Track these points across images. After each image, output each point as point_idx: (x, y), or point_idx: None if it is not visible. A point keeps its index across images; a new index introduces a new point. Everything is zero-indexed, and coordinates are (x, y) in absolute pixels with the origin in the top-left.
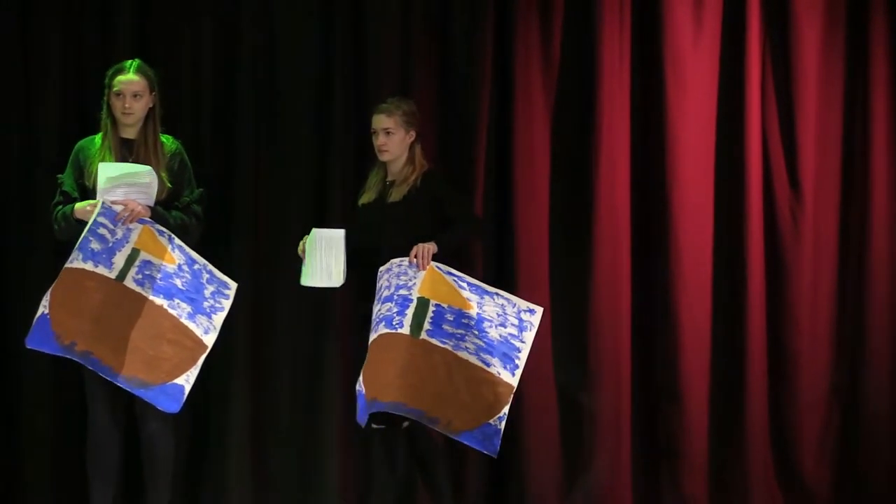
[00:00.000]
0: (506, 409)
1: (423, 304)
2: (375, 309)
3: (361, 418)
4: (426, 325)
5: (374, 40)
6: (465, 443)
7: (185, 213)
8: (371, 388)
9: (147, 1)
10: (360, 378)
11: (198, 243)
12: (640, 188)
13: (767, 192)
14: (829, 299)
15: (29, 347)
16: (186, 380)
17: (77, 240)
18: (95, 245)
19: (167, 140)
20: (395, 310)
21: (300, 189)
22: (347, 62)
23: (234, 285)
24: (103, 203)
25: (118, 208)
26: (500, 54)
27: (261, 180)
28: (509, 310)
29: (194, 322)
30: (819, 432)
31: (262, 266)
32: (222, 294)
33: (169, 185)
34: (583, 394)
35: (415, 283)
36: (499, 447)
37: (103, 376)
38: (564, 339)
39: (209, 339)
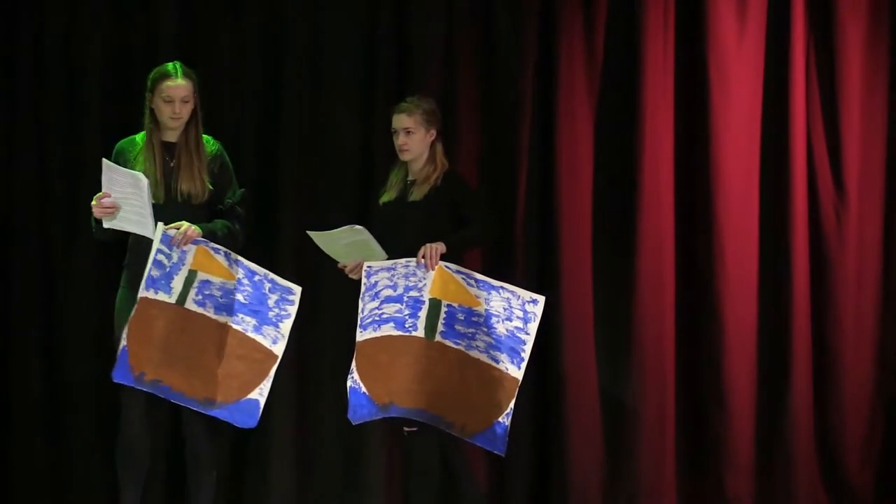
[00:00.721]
0: (512, 405)
1: (435, 305)
2: (369, 306)
3: (357, 417)
4: (440, 327)
5: (418, 39)
6: (478, 444)
7: (230, 218)
8: (384, 392)
9: (190, 5)
10: (354, 374)
11: (243, 246)
12: (683, 186)
13: (812, 191)
14: (874, 300)
15: (115, 382)
16: (260, 393)
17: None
18: (155, 272)
19: (208, 141)
20: (407, 312)
21: (344, 190)
22: (391, 61)
23: (298, 290)
24: (164, 232)
25: (171, 232)
26: (543, 52)
27: (304, 182)
28: (514, 302)
29: (261, 334)
30: (864, 435)
31: (306, 268)
32: (287, 301)
33: (210, 186)
34: (626, 392)
35: (425, 285)
36: (506, 446)
37: (176, 402)
38: (608, 337)
39: (278, 349)
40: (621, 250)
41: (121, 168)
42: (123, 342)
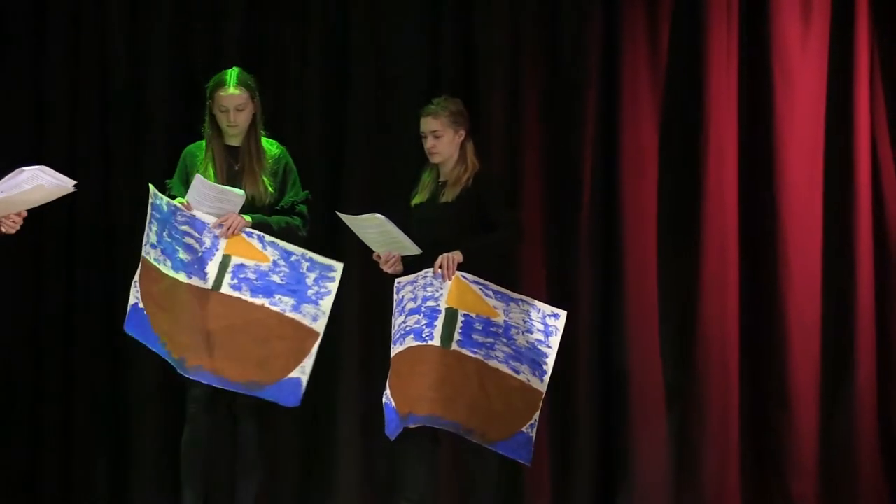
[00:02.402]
0: (536, 416)
1: (451, 314)
2: (398, 321)
3: (391, 431)
4: (456, 336)
5: (482, 41)
6: (500, 452)
7: (289, 214)
8: (404, 402)
9: (255, 5)
10: (388, 390)
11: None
12: (747, 187)
13: (876, 191)
14: None
15: (127, 332)
16: (302, 371)
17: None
18: (184, 255)
19: (272, 145)
20: (424, 322)
21: (408, 192)
22: (455, 63)
23: (339, 266)
24: (181, 211)
25: (209, 219)
26: (607, 53)
27: (368, 184)
28: (534, 315)
29: (300, 313)
30: None
31: (371, 275)
32: (327, 278)
33: (272, 190)
34: (691, 394)
35: (441, 294)
36: (532, 455)
37: (218, 386)
38: (672, 340)
39: (319, 326)
40: (686, 250)
41: (218, 186)
42: (136, 300)
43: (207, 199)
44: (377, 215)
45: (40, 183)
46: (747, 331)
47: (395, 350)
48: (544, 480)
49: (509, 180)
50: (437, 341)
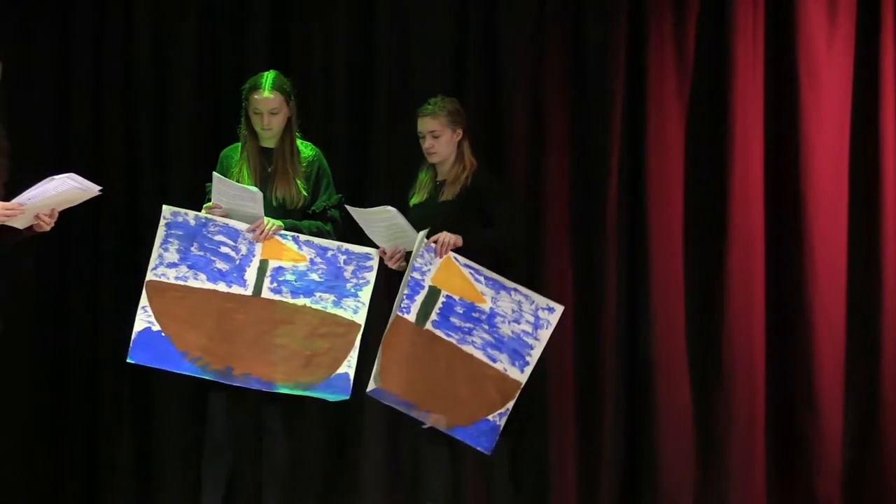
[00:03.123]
0: (509, 406)
1: (433, 293)
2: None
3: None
4: (433, 316)
5: (507, 42)
6: (457, 437)
7: (322, 219)
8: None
9: (282, 5)
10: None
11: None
12: (773, 188)
13: None
14: None
15: (133, 361)
16: (349, 365)
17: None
18: (221, 265)
19: (306, 147)
20: (406, 292)
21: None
22: (480, 62)
23: (375, 253)
24: (213, 221)
25: (242, 226)
26: (633, 54)
27: (394, 182)
28: (526, 306)
29: (341, 307)
30: None
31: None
32: (364, 268)
33: (305, 193)
34: (717, 395)
35: (429, 270)
36: (493, 444)
37: (268, 391)
38: (698, 338)
39: (360, 318)
40: (711, 248)
41: (235, 183)
42: (147, 324)
43: (229, 196)
44: (389, 208)
45: (68, 188)
46: (773, 329)
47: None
48: (569, 479)
49: (534, 178)
50: (412, 317)
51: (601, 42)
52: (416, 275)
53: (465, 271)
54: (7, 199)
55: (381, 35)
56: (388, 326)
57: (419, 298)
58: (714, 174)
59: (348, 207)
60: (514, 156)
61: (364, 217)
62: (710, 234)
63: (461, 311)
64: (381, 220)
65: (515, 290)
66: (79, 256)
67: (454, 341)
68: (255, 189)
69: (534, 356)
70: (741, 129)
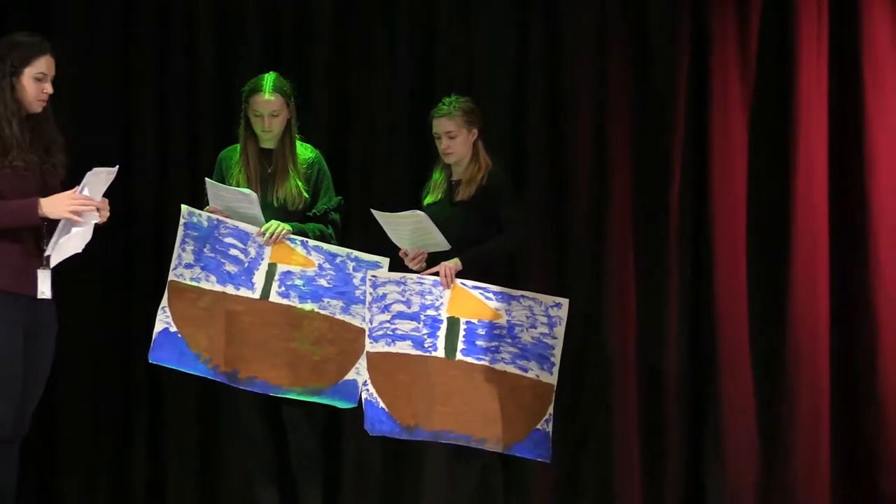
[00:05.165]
0: (550, 410)
1: (453, 323)
2: (380, 318)
3: (376, 431)
4: (460, 345)
5: (570, 40)
6: (518, 455)
7: (323, 221)
8: (407, 413)
9: (345, 4)
10: (370, 387)
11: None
12: (837, 187)
13: None
14: None
15: (154, 362)
16: (357, 372)
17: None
18: (231, 267)
19: (306, 149)
20: (425, 331)
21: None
22: (542, 60)
23: (385, 261)
24: (224, 223)
25: (252, 229)
26: (696, 53)
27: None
28: (537, 309)
29: (350, 314)
30: None
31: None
32: None
33: (306, 195)
34: (781, 393)
35: (442, 303)
36: (550, 451)
37: (274, 395)
38: (762, 339)
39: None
40: (775, 250)
41: (226, 186)
42: (166, 325)
43: (225, 200)
44: (417, 212)
45: (102, 176)
46: (837, 329)
47: (378, 348)
48: (635, 481)
49: (597, 180)
50: (441, 352)
51: (664, 43)
52: (430, 312)
53: (476, 293)
54: None
55: (443, 39)
56: (381, 357)
57: (441, 333)
58: (778, 175)
59: (374, 212)
60: (577, 158)
61: (390, 221)
62: (774, 236)
63: (483, 333)
64: (407, 224)
65: (523, 296)
66: (142, 250)
67: (487, 363)
68: (247, 191)
69: (557, 355)
70: (805, 130)
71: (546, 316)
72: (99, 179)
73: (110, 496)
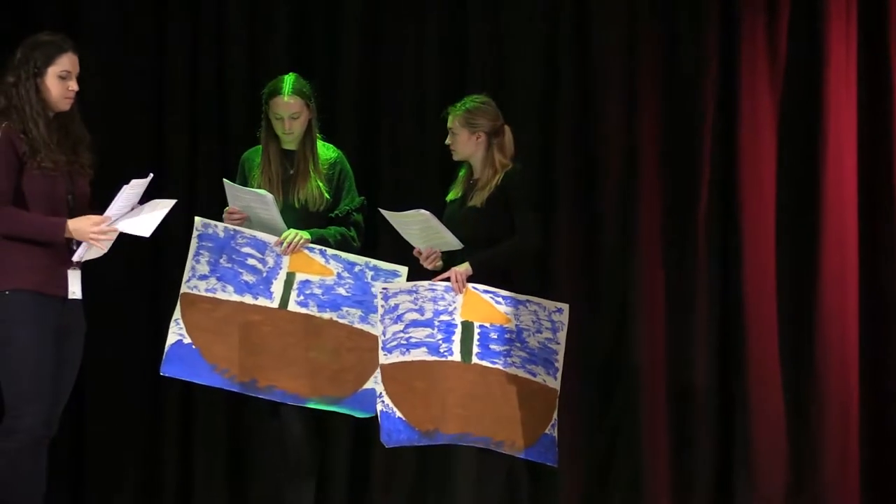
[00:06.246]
0: (555, 415)
1: (468, 327)
2: (393, 329)
3: (393, 441)
4: (475, 349)
5: (599, 39)
6: (530, 459)
7: (345, 224)
8: (425, 418)
9: (374, 2)
10: (386, 398)
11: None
12: (867, 186)
13: None
14: None
15: (165, 374)
16: (375, 381)
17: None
18: (248, 277)
19: (328, 149)
20: (440, 336)
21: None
22: (572, 63)
23: (404, 270)
24: (241, 233)
25: (270, 238)
26: (725, 53)
27: None
28: (541, 314)
29: (368, 323)
30: None
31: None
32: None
33: (327, 196)
34: (810, 394)
35: (455, 308)
36: (557, 456)
37: (293, 404)
38: (791, 340)
39: None
40: (804, 250)
41: (242, 187)
42: (179, 337)
43: (243, 201)
44: (422, 211)
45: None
46: (866, 331)
47: (393, 358)
48: (663, 485)
49: (626, 179)
50: (457, 356)
51: (693, 41)
52: (444, 317)
53: (486, 297)
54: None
55: (473, 35)
56: (396, 367)
57: (456, 338)
58: (807, 174)
59: (382, 211)
60: (606, 156)
61: (398, 220)
62: (803, 235)
63: (496, 337)
64: (415, 223)
65: (528, 301)
66: (172, 252)
67: (500, 367)
68: (263, 192)
69: (560, 360)
70: (834, 128)
71: (549, 321)
72: (133, 192)
73: (139, 497)
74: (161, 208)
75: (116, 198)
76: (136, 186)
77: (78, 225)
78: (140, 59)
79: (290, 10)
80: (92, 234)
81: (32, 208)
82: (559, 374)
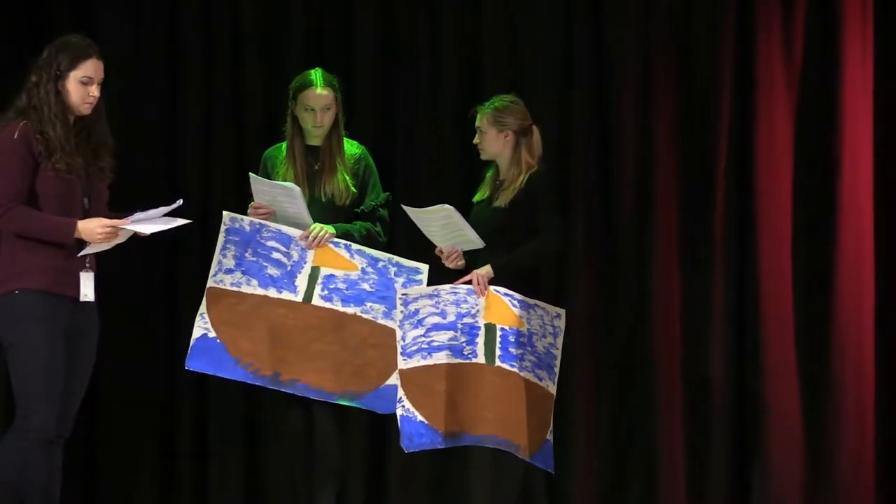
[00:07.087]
0: (551, 420)
1: (491, 330)
2: (414, 334)
3: (414, 445)
4: (497, 351)
5: (614, 39)
6: (535, 464)
7: (371, 219)
8: (451, 420)
9: (388, 4)
10: (406, 403)
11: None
12: (883, 187)
13: None
14: None
15: (190, 368)
16: (397, 377)
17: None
18: (273, 271)
19: (352, 145)
20: (464, 339)
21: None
22: (587, 61)
23: (425, 268)
24: (266, 227)
25: (295, 232)
26: (741, 52)
27: None
28: (546, 319)
29: (391, 319)
30: None
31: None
32: (414, 281)
33: (353, 190)
34: (826, 392)
35: (478, 311)
36: (553, 462)
37: (315, 398)
38: (807, 338)
39: None
40: (821, 248)
41: (269, 181)
42: (204, 331)
43: (269, 195)
44: (445, 206)
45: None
46: (883, 330)
47: (413, 363)
48: (679, 481)
49: (643, 176)
50: (481, 359)
51: (709, 40)
52: (467, 319)
53: (506, 300)
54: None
55: (488, 32)
56: (418, 371)
57: (480, 340)
58: (823, 174)
59: (404, 207)
60: (622, 153)
61: (420, 216)
62: (820, 234)
63: (513, 340)
64: (438, 219)
65: (536, 305)
66: (187, 251)
67: (517, 370)
68: (290, 185)
69: (557, 366)
70: (851, 126)
71: (551, 326)
72: (158, 213)
73: (154, 497)
74: (172, 223)
75: (142, 213)
76: (164, 210)
77: (87, 225)
78: (154, 59)
79: (306, 9)
80: (99, 235)
81: (45, 209)
82: (556, 379)
